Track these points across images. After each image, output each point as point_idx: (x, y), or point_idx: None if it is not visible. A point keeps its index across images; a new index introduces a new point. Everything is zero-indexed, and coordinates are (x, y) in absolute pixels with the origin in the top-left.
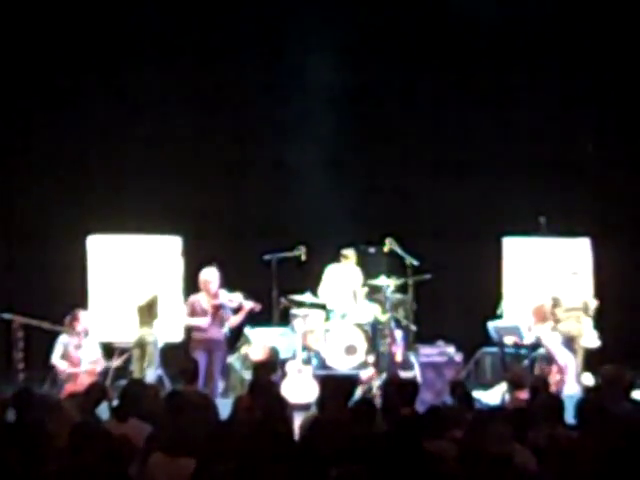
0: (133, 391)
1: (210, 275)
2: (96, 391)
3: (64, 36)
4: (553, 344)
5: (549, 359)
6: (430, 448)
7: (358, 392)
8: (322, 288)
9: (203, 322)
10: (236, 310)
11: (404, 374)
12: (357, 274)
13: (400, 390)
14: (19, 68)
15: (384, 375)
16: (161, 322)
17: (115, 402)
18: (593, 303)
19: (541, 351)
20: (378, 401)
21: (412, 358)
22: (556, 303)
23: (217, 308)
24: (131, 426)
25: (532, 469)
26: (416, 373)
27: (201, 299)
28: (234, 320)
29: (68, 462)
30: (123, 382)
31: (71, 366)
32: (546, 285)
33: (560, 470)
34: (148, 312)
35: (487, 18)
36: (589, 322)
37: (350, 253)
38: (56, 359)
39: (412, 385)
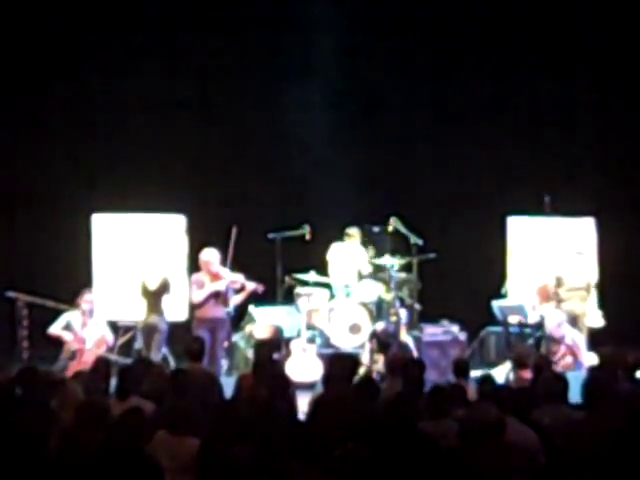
0: (133, 369)
1: (210, 256)
2: (102, 367)
3: (63, 11)
4: (553, 322)
5: (555, 338)
6: (433, 427)
7: (361, 370)
8: (331, 268)
9: (221, 285)
10: (238, 290)
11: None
12: (361, 253)
13: (406, 369)
14: (26, 47)
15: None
16: (168, 303)
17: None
18: (593, 285)
19: (546, 330)
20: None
21: (408, 338)
22: (559, 282)
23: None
24: (132, 404)
25: (533, 448)
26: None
27: (202, 277)
28: (235, 299)
29: (72, 440)
30: (127, 360)
31: (76, 343)
32: (550, 264)
33: (563, 449)
34: (159, 297)
35: (492, 11)
36: (592, 301)
37: (354, 232)
38: (55, 329)
39: (418, 364)
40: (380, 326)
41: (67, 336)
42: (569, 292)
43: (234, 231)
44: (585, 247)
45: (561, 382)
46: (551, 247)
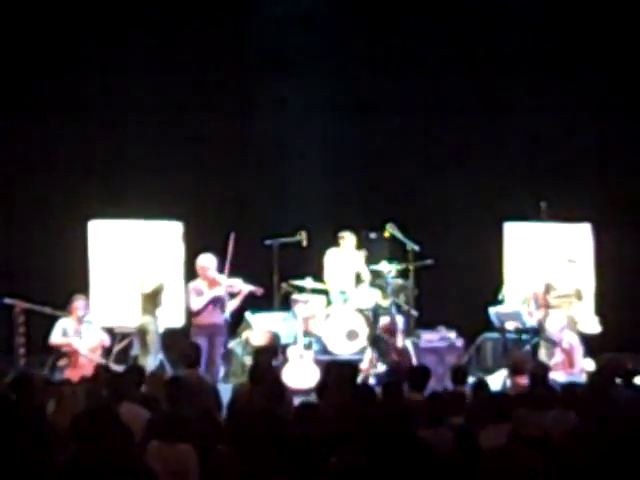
0: (126, 376)
1: (207, 261)
2: (103, 375)
3: (64, 25)
4: (555, 327)
5: (554, 341)
6: (431, 435)
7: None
8: (327, 273)
9: (220, 291)
10: (234, 295)
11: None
12: (357, 257)
13: (412, 375)
14: (20, 55)
15: (381, 361)
16: (163, 310)
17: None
18: (588, 290)
19: (547, 333)
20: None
21: (408, 344)
22: (548, 289)
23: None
24: (125, 411)
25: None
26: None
27: (200, 284)
28: (232, 304)
29: (75, 448)
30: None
31: (71, 350)
32: (541, 271)
33: (560, 456)
34: (152, 300)
35: (491, 16)
36: (582, 308)
37: (346, 234)
38: (56, 338)
39: (423, 371)
40: (381, 324)
41: (75, 342)
42: (558, 299)
43: (232, 237)
44: (578, 255)
45: (557, 389)
46: (542, 254)
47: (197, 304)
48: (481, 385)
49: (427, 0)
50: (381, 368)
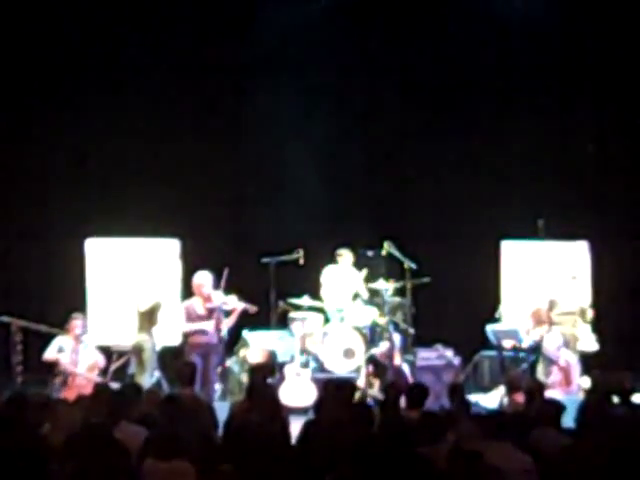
0: (123, 394)
1: (203, 278)
2: (103, 394)
3: (64, 35)
4: (553, 345)
5: (551, 359)
6: (425, 453)
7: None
8: (324, 291)
9: (208, 326)
10: (229, 312)
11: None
12: (355, 274)
13: (409, 393)
14: (18, 68)
15: (378, 379)
16: (160, 328)
17: None
18: (590, 311)
19: (544, 352)
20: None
21: (404, 363)
22: (552, 306)
23: (211, 311)
24: (122, 429)
25: (528, 472)
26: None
27: (195, 303)
28: (226, 322)
29: (71, 467)
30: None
31: (68, 367)
32: (544, 288)
33: (559, 473)
34: (148, 318)
35: (485, 18)
36: (585, 327)
37: (344, 252)
38: (49, 354)
39: (421, 388)
40: (379, 349)
41: (64, 358)
42: (561, 316)
43: (226, 272)
44: (579, 271)
45: (553, 407)
46: (545, 271)
47: (184, 328)
48: (464, 405)
49: (425, 9)
50: (379, 394)
